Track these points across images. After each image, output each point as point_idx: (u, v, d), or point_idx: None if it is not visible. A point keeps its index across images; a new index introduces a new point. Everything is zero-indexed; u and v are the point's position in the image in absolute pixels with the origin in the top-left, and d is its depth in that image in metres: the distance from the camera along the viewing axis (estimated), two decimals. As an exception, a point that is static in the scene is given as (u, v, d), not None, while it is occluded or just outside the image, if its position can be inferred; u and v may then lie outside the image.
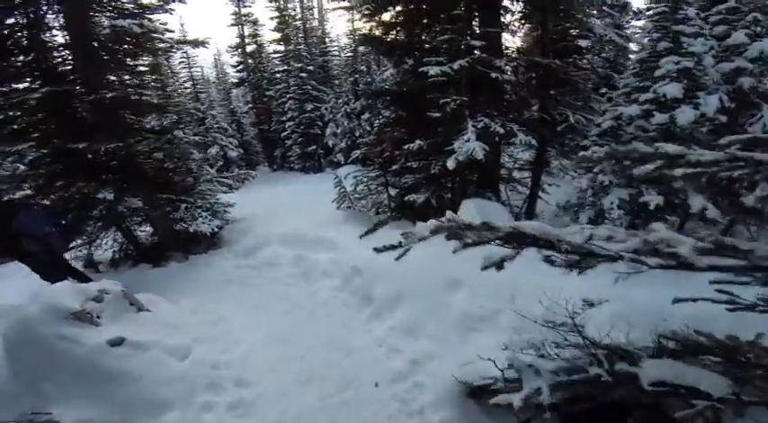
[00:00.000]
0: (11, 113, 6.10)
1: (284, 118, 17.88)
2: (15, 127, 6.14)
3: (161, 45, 6.68)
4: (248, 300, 5.53)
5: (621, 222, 5.65)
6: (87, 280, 5.25)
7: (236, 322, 4.80)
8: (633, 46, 10.22)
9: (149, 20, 6.43)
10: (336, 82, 20.36)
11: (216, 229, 7.32)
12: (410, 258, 1.97)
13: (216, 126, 17.07)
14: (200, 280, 6.33)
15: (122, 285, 4.25)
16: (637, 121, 5.87)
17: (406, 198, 7.09)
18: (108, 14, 6.45)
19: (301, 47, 18.87)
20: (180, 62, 20.20)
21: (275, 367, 3.91)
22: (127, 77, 6.97)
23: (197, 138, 7.12)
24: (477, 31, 6.72)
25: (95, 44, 6.24)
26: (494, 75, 6.07)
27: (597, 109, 7.52)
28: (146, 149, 6.70)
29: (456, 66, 5.82)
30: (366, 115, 15.75)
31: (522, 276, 3.02)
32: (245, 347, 4.26)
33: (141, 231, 7.99)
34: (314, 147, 17.35)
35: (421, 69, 5.98)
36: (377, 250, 1.84)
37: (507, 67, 6.60)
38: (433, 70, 5.76)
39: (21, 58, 6.17)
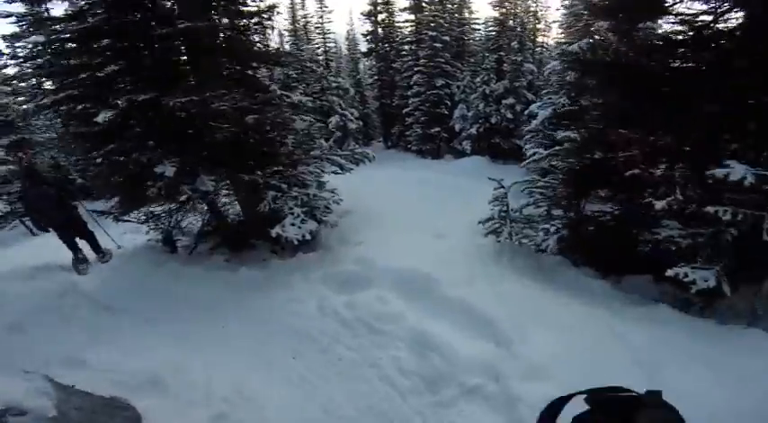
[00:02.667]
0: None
1: (409, 93, 15.19)
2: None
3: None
4: (322, 394, 3.06)
5: None
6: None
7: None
8: None
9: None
10: (472, 59, 16.89)
11: (308, 237, 4.97)
12: None
13: (335, 87, 14.76)
14: (263, 320, 4.13)
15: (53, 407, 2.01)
16: None
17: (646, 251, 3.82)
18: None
19: (437, 14, 15.71)
20: (316, 28, 18.97)
21: None
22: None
23: (309, 99, 4.64)
24: None
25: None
26: None
27: None
28: (232, 109, 4.48)
29: None
30: (510, 100, 12.28)
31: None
32: None
33: (229, 206, 6.12)
34: (437, 129, 14.42)
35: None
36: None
37: None
38: None
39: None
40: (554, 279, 4.68)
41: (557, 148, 4.88)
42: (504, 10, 14.95)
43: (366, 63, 22.34)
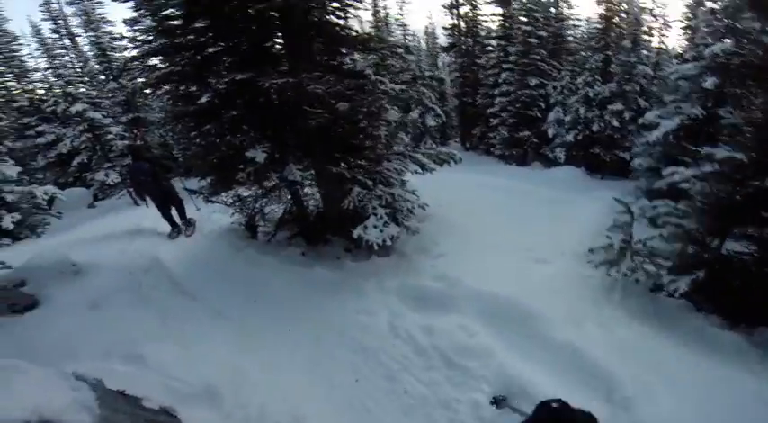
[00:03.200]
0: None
1: (495, 92, 14.13)
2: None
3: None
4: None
5: None
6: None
7: None
8: None
9: None
10: (571, 58, 15.30)
11: (388, 242, 4.54)
12: None
13: (428, 78, 13.81)
14: (330, 327, 3.83)
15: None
16: None
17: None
18: None
19: (532, 7, 14.32)
20: (396, 20, 18.53)
21: None
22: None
23: (400, 89, 4.17)
24: None
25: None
26: None
27: None
28: (327, 94, 4.17)
29: None
30: (617, 106, 10.80)
31: None
32: None
33: (310, 197, 5.92)
34: (526, 133, 13.22)
35: None
36: None
37: None
38: None
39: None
40: (675, 327, 3.79)
41: (705, 169, 3.86)
42: (610, 5, 13.25)
43: (445, 59, 21.36)
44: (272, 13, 3.91)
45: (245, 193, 5.64)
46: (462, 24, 17.73)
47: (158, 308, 3.90)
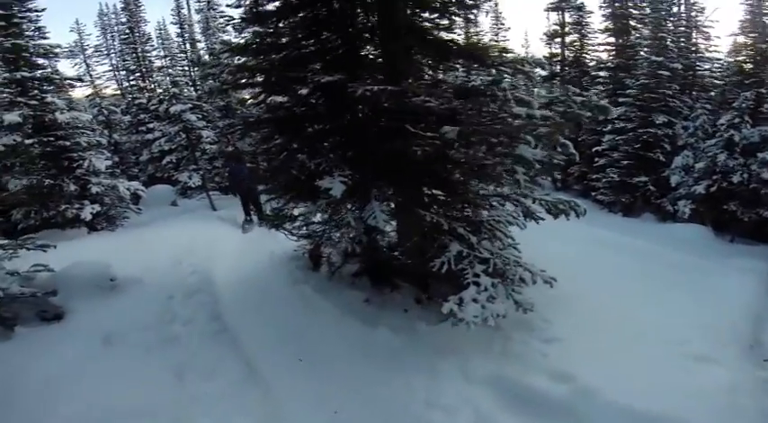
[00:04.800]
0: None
1: (607, 128, 12.10)
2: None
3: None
4: None
5: None
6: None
7: None
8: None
9: None
10: (705, 95, 12.74)
11: (491, 322, 3.17)
12: None
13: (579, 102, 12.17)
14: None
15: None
16: None
17: None
18: None
19: (664, 35, 12.16)
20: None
21: None
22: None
23: (541, 115, 2.84)
24: None
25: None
26: None
27: None
28: (445, 108, 3.00)
29: None
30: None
31: None
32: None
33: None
34: (643, 178, 10.97)
35: None
36: None
37: None
38: None
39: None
40: None
41: None
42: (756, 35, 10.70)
43: (540, 91, 19.49)
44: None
45: (314, 218, 4.75)
46: (567, 53, 16.14)
47: (180, 355, 3.08)
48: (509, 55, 3.44)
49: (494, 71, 3.33)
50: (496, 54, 3.35)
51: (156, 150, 12.98)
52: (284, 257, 5.40)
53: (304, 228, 4.91)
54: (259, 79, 3.55)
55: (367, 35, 3.35)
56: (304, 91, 3.26)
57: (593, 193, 12.29)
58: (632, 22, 14.98)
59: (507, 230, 3.61)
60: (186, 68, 17.65)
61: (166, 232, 6.84)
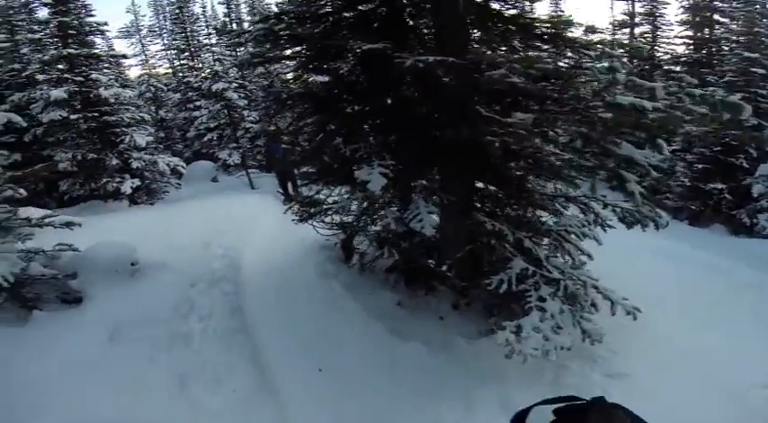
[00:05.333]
0: None
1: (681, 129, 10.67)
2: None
3: None
4: None
5: None
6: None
7: None
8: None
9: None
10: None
11: (552, 357, 2.59)
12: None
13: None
14: None
15: None
16: None
17: None
18: None
19: (761, 30, 10.49)
20: None
21: None
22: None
23: (653, 106, 2.17)
24: None
25: None
26: None
27: None
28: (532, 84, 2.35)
29: None
30: None
31: None
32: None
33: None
34: (719, 185, 9.54)
35: None
36: None
37: None
38: None
39: None
40: None
41: None
42: None
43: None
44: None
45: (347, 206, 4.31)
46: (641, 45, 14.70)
47: (188, 358, 2.75)
48: (594, 36, 2.73)
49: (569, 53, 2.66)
50: (575, 34, 2.66)
51: (202, 128, 13.14)
52: (315, 246, 5.04)
53: (336, 217, 4.52)
54: (290, 52, 3.12)
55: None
56: (344, 67, 2.77)
57: (657, 196, 10.99)
58: (716, 16, 13.20)
59: (579, 243, 2.99)
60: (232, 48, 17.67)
61: (201, 208, 6.72)
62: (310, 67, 2.91)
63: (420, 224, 2.17)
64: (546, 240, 3.13)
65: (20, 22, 8.00)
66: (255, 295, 3.86)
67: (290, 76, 4.12)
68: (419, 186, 2.31)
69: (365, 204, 3.00)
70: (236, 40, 2.73)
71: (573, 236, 2.82)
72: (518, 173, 2.97)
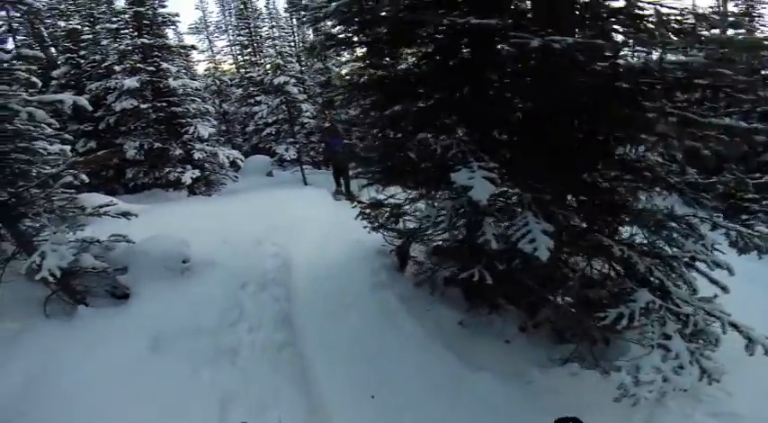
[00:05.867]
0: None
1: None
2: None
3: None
4: None
5: None
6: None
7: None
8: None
9: None
10: None
11: (667, 400, 1.99)
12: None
13: None
14: None
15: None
16: None
17: None
18: None
19: None
20: None
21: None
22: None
23: None
24: None
25: None
26: None
27: None
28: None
29: None
30: None
31: None
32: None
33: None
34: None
35: None
36: None
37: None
38: None
39: None
40: None
41: None
42: None
43: None
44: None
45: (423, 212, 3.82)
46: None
47: (232, 378, 2.40)
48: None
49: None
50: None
51: (261, 122, 13.30)
52: (370, 250, 4.63)
53: (398, 221, 4.05)
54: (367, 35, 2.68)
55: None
56: (429, 45, 2.28)
57: (745, 218, 9.38)
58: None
59: (710, 273, 2.29)
60: (293, 44, 17.87)
61: (256, 203, 6.59)
62: (393, 49, 2.44)
63: (531, 246, 1.64)
64: (664, 268, 2.47)
65: (100, 15, 8.38)
66: (305, 303, 3.51)
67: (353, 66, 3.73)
68: (528, 198, 1.78)
69: (455, 215, 2.47)
70: (316, 13, 2.30)
71: (702, 264, 2.15)
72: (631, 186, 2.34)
